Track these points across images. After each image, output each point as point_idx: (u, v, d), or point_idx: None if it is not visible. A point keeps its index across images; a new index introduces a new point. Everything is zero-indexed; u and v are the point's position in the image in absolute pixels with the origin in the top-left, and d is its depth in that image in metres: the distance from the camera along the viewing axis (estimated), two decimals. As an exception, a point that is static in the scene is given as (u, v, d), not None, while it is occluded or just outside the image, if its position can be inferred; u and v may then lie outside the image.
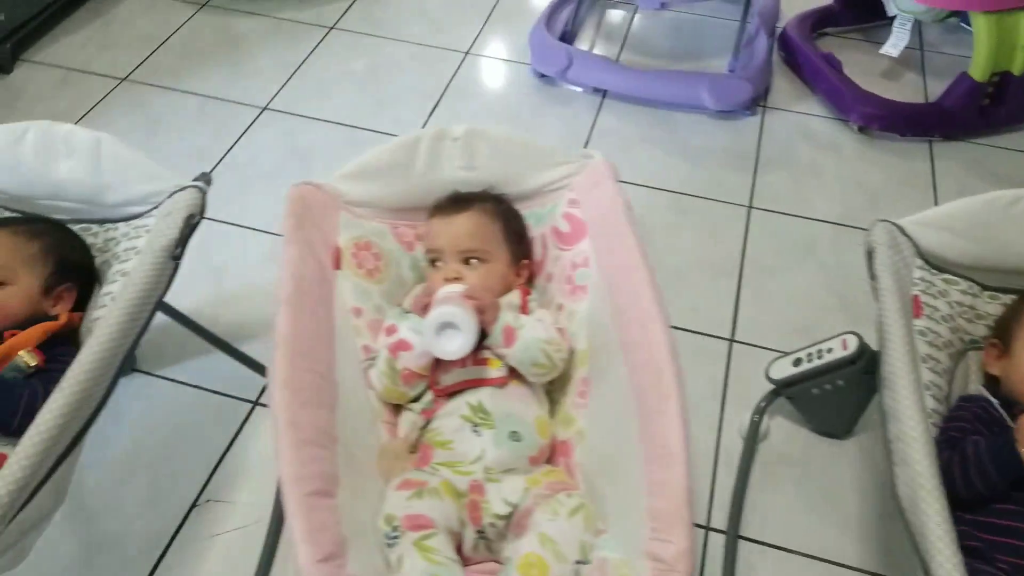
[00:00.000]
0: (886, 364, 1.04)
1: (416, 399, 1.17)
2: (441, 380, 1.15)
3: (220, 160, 2.10)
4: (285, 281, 1.09)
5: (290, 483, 0.89)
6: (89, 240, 1.31)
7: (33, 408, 0.95)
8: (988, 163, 2.14)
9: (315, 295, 1.12)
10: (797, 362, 1.34)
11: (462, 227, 1.21)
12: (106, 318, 1.06)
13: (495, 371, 1.13)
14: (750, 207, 2.01)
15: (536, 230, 1.31)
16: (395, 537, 0.97)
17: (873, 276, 1.16)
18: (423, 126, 2.20)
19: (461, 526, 1.03)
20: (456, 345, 1.06)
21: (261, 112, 2.24)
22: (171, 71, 2.37)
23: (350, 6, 2.65)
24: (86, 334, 1.20)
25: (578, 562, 0.96)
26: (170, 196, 1.24)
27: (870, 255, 1.18)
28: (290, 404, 0.95)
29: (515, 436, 1.09)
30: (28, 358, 1.12)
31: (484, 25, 2.59)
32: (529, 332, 1.13)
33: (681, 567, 0.87)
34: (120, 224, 1.30)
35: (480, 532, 1.04)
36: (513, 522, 1.04)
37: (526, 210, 1.31)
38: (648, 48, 2.51)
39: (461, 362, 1.13)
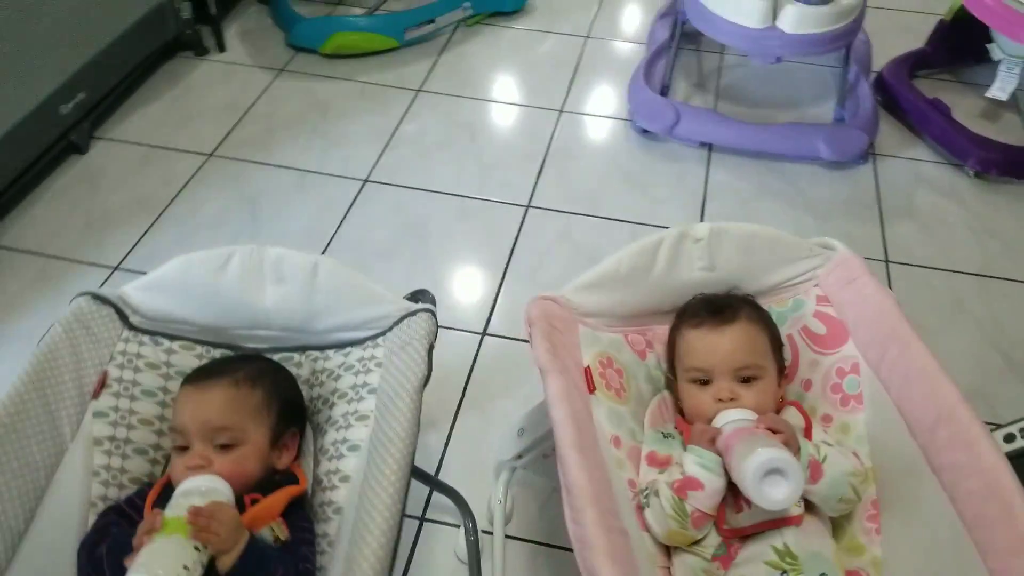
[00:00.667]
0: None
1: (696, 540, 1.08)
2: (732, 520, 1.05)
3: (332, 237, 2.01)
4: (564, 423, 0.99)
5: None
6: (292, 370, 1.20)
7: None
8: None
9: (589, 433, 1.03)
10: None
11: (736, 341, 1.12)
12: (382, 482, 0.95)
13: (795, 508, 1.03)
14: (887, 261, 1.96)
15: (781, 331, 1.22)
16: None
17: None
18: (532, 191, 2.12)
19: None
20: (784, 494, 0.95)
21: (363, 185, 2.15)
22: (260, 143, 2.27)
23: (433, 65, 2.56)
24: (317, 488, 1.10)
25: None
26: (398, 322, 1.14)
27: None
28: None
29: None
30: (278, 531, 1.01)
31: (572, 79, 2.52)
32: (836, 466, 1.04)
33: None
34: (331, 353, 1.20)
35: None
36: None
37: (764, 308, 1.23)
38: (743, 97, 2.47)
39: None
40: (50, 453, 1.02)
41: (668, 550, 1.09)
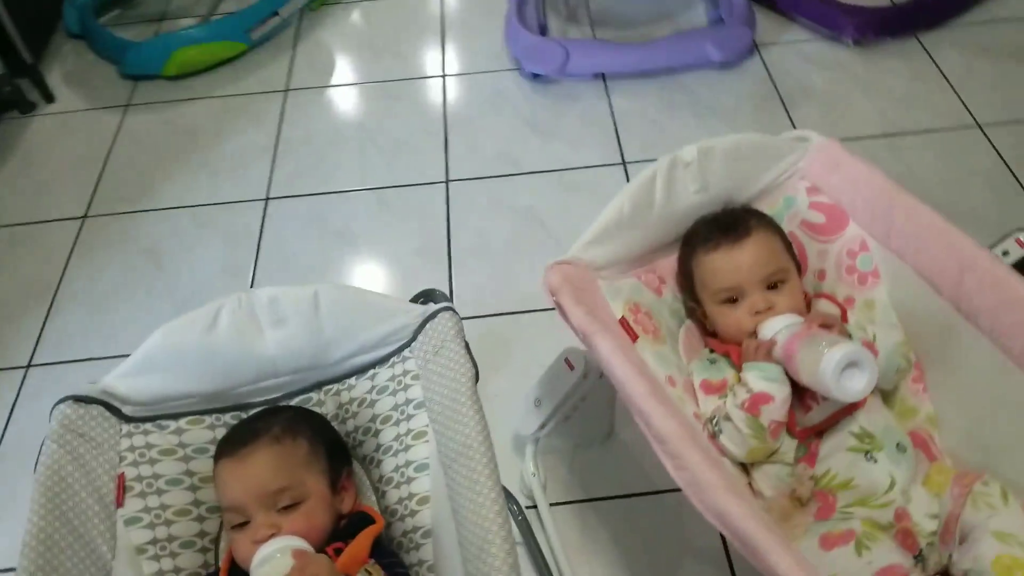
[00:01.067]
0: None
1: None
2: (804, 421, 1.07)
3: (255, 268, 1.87)
4: (631, 379, 0.96)
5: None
6: (316, 411, 1.11)
7: None
8: (982, 40, 2.25)
9: (653, 381, 1.00)
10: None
11: (757, 251, 1.12)
12: (481, 491, 0.89)
13: None
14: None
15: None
16: None
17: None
18: (445, 165, 2.05)
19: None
20: (863, 384, 0.97)
21: (266, 204, 2.02)
22: (136, 190, 2.07)
23: (292, 61, 2.42)
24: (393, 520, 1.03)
25: None
26: (420, 329, 1.07)
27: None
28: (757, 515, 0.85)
29: (901, 448, 1.04)
30: (375, 573, 0.94)
31: (443, 40, 2.44)
32: (886, 341, 1.07)
33: None
34: (352, 381, 1.11)
35: (917, 557, 0.98)
36: (941, 532, 0.99)
37: (758, 213, 1.24)
38: (616, 20, 2.46)
39: (818, 396, 1.05)
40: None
41: (745, 467, 1.10)
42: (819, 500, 1.03)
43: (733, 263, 1.12)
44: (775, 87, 2.17)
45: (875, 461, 1.02)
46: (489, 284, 1.78)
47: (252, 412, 1.10)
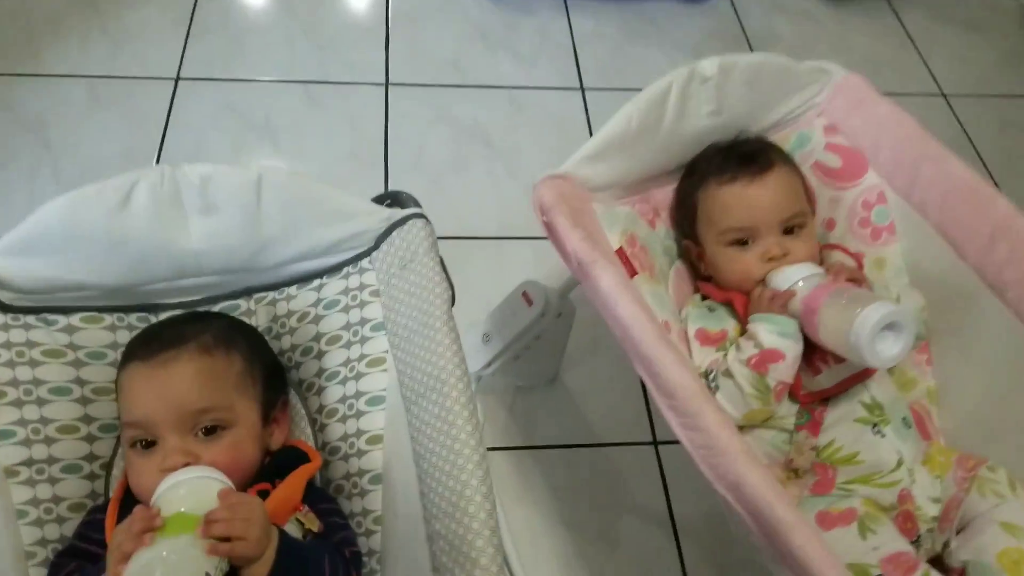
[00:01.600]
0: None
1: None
2: (811, 385, 0.95)
3: (159, 154, 1.62)
4: (638, 320, 0.82)
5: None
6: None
7: None
8: (947, 8, 2.20)
9: (659, 324, 0.86)
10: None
11: (779, 190, 0.99)
12: (457, 436, 0.74)
13: None
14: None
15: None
16: None
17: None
18: (385, 66, 1.84)
19: None
20: (899, 349, 0.86)
21: (176, 84, 1.75)
22: (21, 50, 1.76)
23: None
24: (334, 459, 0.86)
25: None
26: (384, 236, 0.89)
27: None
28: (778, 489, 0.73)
29: (907, 423, 0.95)
30: (307, 522, 0.77)
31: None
32: (910, 303, 0.96)
33: None
34: (293, 290, 0.92)
35: (914, 543, 0.90)
36: (941, 517, 0.91)
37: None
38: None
39: (834, 356, 0.94)
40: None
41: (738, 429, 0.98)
42: (817, 473, 0.93)
43: (750, 200, 0.98)
44: (742, 29, 2.06)
45: (883, 436, 0.91)
46: (428, 204, 1.59)
47: (165, 315, 0.90)
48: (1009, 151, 1.87)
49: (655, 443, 1.37)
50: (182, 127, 1.67)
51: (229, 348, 0.81)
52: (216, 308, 0.92)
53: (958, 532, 0.89)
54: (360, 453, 0.84)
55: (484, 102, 1.80)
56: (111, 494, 0.82)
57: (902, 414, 0.94)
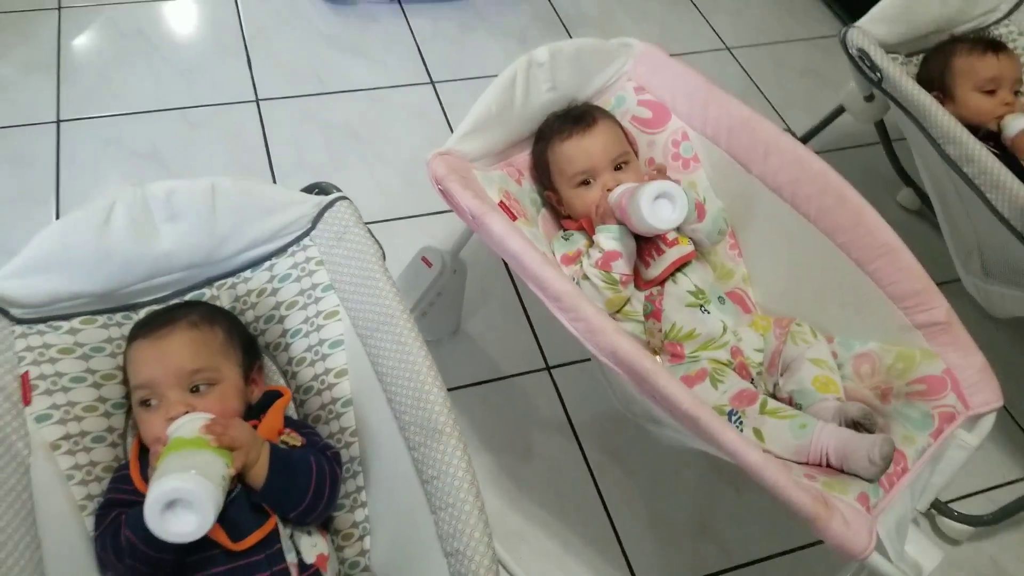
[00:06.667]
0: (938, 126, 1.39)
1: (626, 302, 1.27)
2: (646, 275, 1.26)
3: (57, 196, 1.76)
4: (526, 250, 1.09)
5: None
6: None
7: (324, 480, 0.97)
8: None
9: (541, 252, 1.14)
10: None
11: (605, 138, 1.28)
12: (409, 356, 0.98)
13: (687, 247, 1.26)
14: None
15: (615, 126, 1.41)
16: (738, 418, 1.11)
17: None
18: (252, 84, 2.04)
19: None
20: (676, 213, 1.13)
21: (58, 127, 1.88)
22: None
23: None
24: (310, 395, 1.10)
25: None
26: (318, 218, 1.12)
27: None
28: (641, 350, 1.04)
29: (722, 300, 1.27)
30: (292, 440, 1.01)
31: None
32: (713, 204, 1.29)
33: (955, 320, 1.14)
34: (247, 274, 1.13)
35: (751, 383, 1.23)
36: (767, 365, 1.24)
37: (594, 110, 1.41)
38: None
39: (657, 249, 1.24)
40: (17, 472, 0.90)
41: None
42: (669, 350, 1.24)
43: (585, 149, 1.28)
44: (556, 13, 2.36)
45: (708, 312, 1.24)
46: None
47: (144, 312, 1.10)
48: (786, 88, 2.28)
49: (548, 368, 1.65)
50: (75, 165, 1.81)
51: (212, 324, 1.03)
52: (185, 298, 1.12)
53: (782, 373, 1.22)
54: (330, 386, 1.08)
55: (348, 104, 2.03)
56: (130, 455, 1.03)
57: (717, 293, 1.27)
